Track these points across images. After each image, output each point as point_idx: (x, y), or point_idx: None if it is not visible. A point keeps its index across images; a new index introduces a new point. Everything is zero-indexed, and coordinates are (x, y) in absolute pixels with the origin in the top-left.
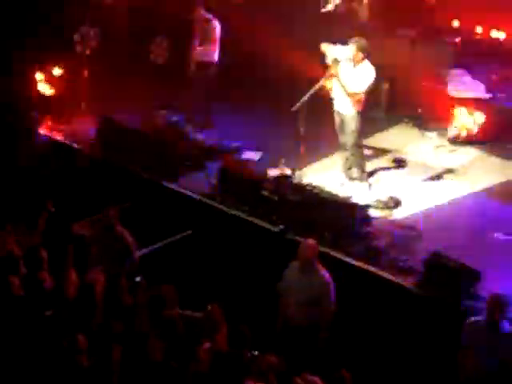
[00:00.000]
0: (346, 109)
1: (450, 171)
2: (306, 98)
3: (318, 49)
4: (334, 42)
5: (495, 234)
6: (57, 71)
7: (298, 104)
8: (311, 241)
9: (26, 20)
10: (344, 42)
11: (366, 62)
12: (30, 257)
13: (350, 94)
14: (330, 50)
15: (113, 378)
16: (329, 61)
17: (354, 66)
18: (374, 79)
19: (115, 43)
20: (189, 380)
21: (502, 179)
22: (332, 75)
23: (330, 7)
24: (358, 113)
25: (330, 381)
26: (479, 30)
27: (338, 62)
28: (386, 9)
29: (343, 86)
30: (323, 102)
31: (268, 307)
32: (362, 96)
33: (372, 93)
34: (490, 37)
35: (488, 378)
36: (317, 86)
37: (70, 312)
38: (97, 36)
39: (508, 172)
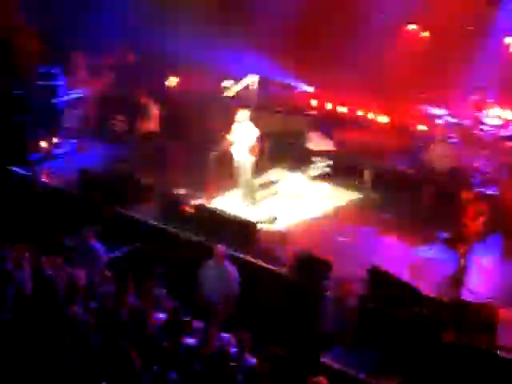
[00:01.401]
0: (244, 157)
1: (309, 197)
2: (217, 149)
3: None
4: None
5: (339, 238)
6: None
7: (212, 153)
8: (221, 246)
9: None
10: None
11: (251, 125)
12: None
13: (248, 146)
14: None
15: None
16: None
17: (244, 126)
18: (258, 135)
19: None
20: None
21: (343, 203)
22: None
23: (231, 94)
24: (252, 161)
25: (235, 338)
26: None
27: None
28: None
29: (242, 142)
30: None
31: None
32: (256, 147)
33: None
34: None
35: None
36: (224, 143)
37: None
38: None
39: (346, 197)
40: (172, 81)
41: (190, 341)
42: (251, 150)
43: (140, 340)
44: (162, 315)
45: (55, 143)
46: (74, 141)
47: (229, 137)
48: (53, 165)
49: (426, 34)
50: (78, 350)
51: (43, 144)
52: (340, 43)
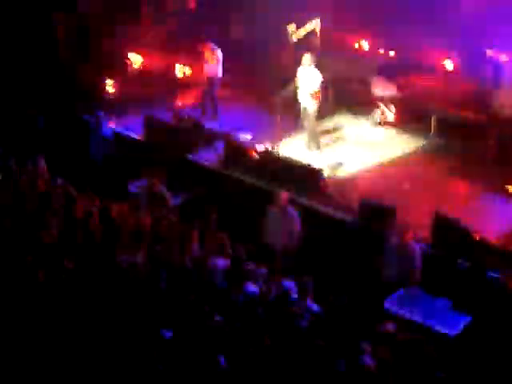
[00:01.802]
0: (307, 102)
1: (374, 143)
2: (282, 92)
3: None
4: None
5: (403, 185)
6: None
7: (277, 96)
8: (285, 192)
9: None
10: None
11: (315, 69)
12: None
13: (309, 92)
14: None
15: None
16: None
17: (308, 70)
18: (321, 81)
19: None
20: None
21: (408, 149)
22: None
23: (294, 39)
24: (315, 107)
25: (297, 283)
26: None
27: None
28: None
29: (305, 87)
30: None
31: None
32: (318, 93)
33: (322, 94)
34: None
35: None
36: (289, 86)
37: None
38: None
39: (412, 144)
40: (235, 29)
41: (253, 288)
42: (314, 96)
43: (203, 287)
44: (224, 261)
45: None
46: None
47: (294, 81)
48: (118, 111)
49: None
50: (141, 296)
51: (109, 88)
52: None
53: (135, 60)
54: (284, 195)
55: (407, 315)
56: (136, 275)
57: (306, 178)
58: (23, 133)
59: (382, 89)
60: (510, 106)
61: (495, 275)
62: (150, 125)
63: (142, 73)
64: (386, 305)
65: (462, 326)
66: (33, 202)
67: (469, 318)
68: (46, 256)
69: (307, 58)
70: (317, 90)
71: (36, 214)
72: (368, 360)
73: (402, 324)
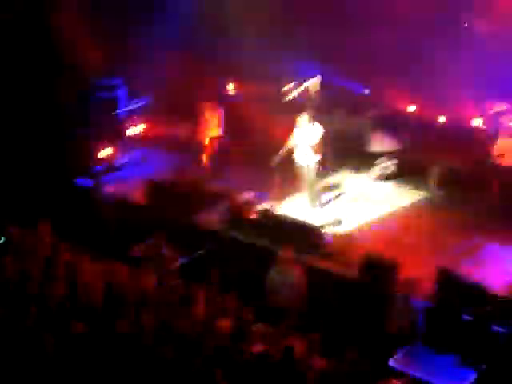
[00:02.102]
0: (308, 158)
1: (375, 198)
2: (279, 155)
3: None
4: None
5: (405, 239)
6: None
7: (274, 160)
8: (288, 250)
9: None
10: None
11: (315, 123)
12: None
13: (310, 146)
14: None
15: None
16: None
17: (308, 126)
18: (322, 133)
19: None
20: None
21: (409, 202)
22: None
23: (292, 95)
24: (316, 161)
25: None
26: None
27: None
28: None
29: (306, 142)
30: (290, 159)
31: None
32: (319, 146)
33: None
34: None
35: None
36: (285, 148)
37: None
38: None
39: (413, 197)
40: (235, 86)
41: (258, 348)
42: (315, 149)
43: (208, 350)
44: (229, 322)
45: (118, 154)
46: (138, 150)
47: (291, 141)
48: (117, 175)
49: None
50: (145, 360)
51: (106, 155)
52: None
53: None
54: (287, 254)
55: (413, 373)
56: (139, 342)
57: (306, 236)
58: (26, 196)
59: (380, 144)
60: (507, 155)
61: (501, 329)
62: (152, 188)
63: (143, 136)
64: (391, 363)
65: (468, 382)
66: (37, 267)
67: (475, 374)
68: (50, 320)
69: (304, 117)
70: (316, 143)
71: (40, 279)
72: None
73: (409, 382)
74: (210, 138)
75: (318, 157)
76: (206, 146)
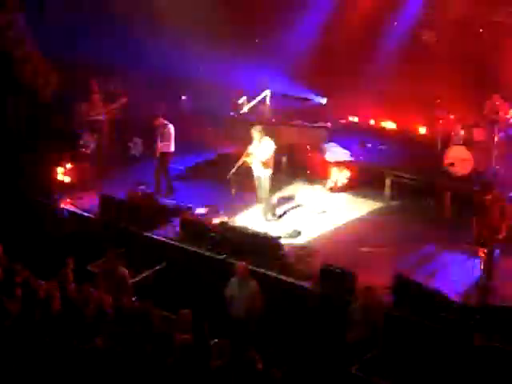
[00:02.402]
0: (260, 172)
1: (330, 209)
2: (234, 169)
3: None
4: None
5: (362, 248)
6: (69, 165)
7: (229, 173)
8: (243, 262)
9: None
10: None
11: (266, 138)
12: None
13: (261, 161)
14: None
15: None
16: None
17: (259, 141)
18: (274, 149)
19: (106, 144)
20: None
21: (364, 212)
22: (248, 154)
23: (245, 109)
24: (269, 175)
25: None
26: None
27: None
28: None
29: (257, 157)
30: (246, 172)
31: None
32: (269, 161)
33: (275, 163)
34: (351, 121)
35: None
36: (240, 162)
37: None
38: (95, 140)
39: (367, 207)
40: (185, 100)
41: (217, 362)
42: (266, 165)
43: (165, 364)
44: (188, 337)
45: (73, 169)
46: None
47: (246, 154)
48: (72, 191)
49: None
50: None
51: (62, 171)
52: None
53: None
54: (242, 266)
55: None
56: (97, 358)
57: (264, 247)
58: None
59: (335, 154)
60: (459, 164)
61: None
62: (106, 203)
63: (97, 154)
64: (353, 371)
65: None
66: None
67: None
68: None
69: (255, 133)
70: (268, 157)
71: None
72: None
73: None
74: (161, 154)
75: (270, 171)
76: (157, 162)
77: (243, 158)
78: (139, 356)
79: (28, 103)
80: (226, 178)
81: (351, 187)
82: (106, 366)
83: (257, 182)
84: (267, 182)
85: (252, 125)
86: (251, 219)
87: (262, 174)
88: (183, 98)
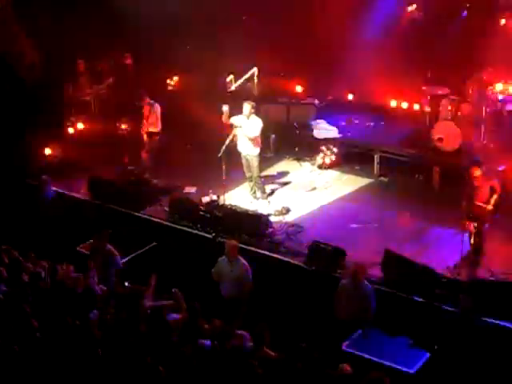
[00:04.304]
0: (249, 150)
1: (319, 186)
2: (223, 147)
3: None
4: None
5: (351, 225)
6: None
7: (220, 152)
8: (233, 241)
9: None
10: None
11: (255, 116)
12: None
13: (250, 139)
14: (235, 119)
15: None
16: (235, 122)
17: (248, 118)
18: (262, 126)
19: (93, 125)
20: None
21: (353, 189)
22: (236, 128)
23: (233, 87)
24: (257, 153)
25: (252, 333)
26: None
27: (240, 121)
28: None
29: (245, 134)
30: (235, 151)
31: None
32: (258, 139)
33: (263, 141)
34: (339, 98)
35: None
36: (229, 138)
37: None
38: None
39: (356, 184)
40: (172, 80)
41: (207, 342)
42: (254, 142)
43: (157, 343)
44: (178, 316)
45: (61, 150)
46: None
47: (233, 131)
48: (62, 172)
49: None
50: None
51: (49, 152)
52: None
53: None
54: (232, 244)
55: (366, 356)
56: (89, 335)
57: (253, 225)
58: None
59: (322, 132)
60: (447, 139)
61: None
62: (96, 184)
63: (84, 135)
64: (344, 347)
65: (421, 363)
66: None
67: (427, 355)
68: None
69: (247, 107)
70: (257, 135)
71: None
72: None
73: (362, 365)
74: (149, 134)
75: (258, 149)
76: (144, 143)
77: (233, 132)
78: (132, 335)
79: (13, 84)
80: (217, 157)
81: (339, 164)
82: (99, 343)
83: (244, 161)
84: (256, 160)
85: (245, 100)
86: (241, 197)
87: (250, 152)
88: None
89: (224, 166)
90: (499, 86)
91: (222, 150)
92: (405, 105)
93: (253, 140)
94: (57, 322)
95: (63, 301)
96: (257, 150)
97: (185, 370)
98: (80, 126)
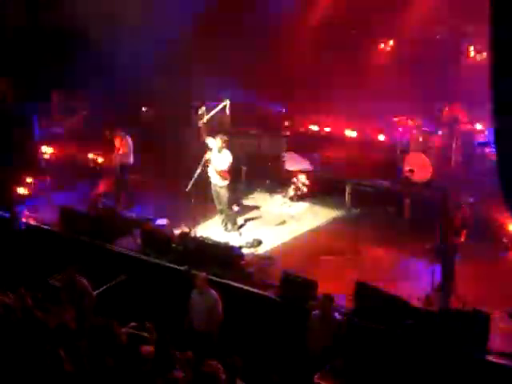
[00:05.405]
0: (217, 181)
1: (291, 218)
2: (192, 180)
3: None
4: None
5: (322, 257)
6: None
7: (189, 185)
8: (203, 273)
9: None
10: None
11: (226, 150)
12: None
13: (218, 171)
14: (209, 143)
15: None
16: (209, 144)
17: (219, 151)
18: (232, 160)
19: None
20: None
21: (325, 220)
22: (207, 161)
23: (205, 120)
24: (227, 186)
25: (225, 365)
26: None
27: (211, 151)
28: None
29: (214, 166)
30: (206, 182)
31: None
32: (226, 172)
33: (235, 173)
34: (310, 130)
35: (324, 349)
36: (197, 172)
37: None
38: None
39: (328, 215)
40: (145, 111)
41: (179, 373)
42: (223, 175)
43: (129, 375)
44: (150, 348)
45: (32, 182)
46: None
47: (203, 164)
48: (32, 204)
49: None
50: None
51: (22, 184)
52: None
53: (47, 151)
54: (202, 276)
55: None
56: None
57: (225, 257)
58: None
59: (294, 164)
60: (417, 170)
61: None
62: (67, 216)
63: (56, 164)
64: (316, 379)
65: None
66: None
67: None
68: None
69: (218, 142)
70: (225, 169)
71: None
72: None
73: None
74: (120, 166)
75: (227, 182)
76: (116, 174)
77: (205, 157)
78: (103, 369)
79: None
80: (186, 190)
81: (311, 196)
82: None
83: (213, 192)
84: (225, 191)
85: (217, 133)
86: (212, 230)
87: (219, 183)
88: (144, 109)
89: (192, 200)
90: (469, 119)
91: (190, 184)
92: (378, 136)
93: (221, 173)
94: (28, 356)
95: (35, 335)
96: (225, 183)
97: None
98: (52, 157)
